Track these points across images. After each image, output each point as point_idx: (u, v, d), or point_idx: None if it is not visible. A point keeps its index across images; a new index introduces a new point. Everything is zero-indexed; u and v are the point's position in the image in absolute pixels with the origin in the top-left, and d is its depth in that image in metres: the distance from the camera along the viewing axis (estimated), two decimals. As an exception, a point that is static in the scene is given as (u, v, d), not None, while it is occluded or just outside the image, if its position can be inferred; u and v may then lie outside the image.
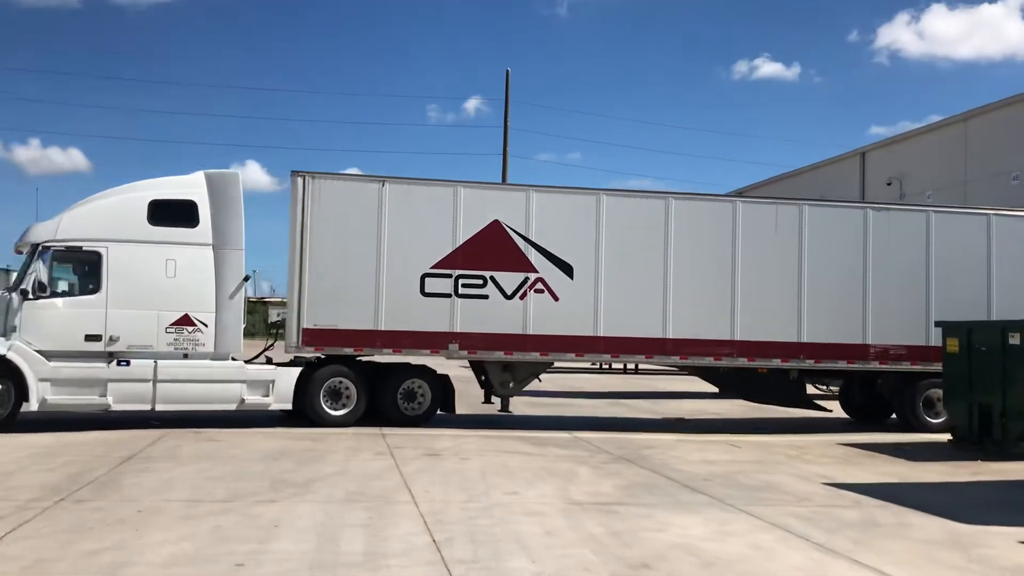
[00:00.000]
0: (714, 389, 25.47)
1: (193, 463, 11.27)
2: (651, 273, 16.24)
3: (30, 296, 13.93)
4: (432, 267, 15.59)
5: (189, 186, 15.00)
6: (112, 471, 10.53)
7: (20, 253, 14.83)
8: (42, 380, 13.75)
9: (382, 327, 15.36)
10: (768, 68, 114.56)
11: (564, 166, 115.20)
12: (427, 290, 15.60)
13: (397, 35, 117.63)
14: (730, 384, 17.82)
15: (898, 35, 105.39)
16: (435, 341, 15.59)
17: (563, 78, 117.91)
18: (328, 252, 15.25)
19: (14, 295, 14.01)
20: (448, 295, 15.62)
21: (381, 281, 15.36)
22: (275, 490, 9.60)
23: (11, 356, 13.65)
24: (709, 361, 16.54)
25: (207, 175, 15.10)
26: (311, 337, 15.17)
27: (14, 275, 15.83)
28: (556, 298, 15.93)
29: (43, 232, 14.40)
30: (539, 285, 15.88)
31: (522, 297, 15.82)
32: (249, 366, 15.06)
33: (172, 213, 14.70)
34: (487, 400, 17.41)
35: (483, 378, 16.89)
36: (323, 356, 15.47)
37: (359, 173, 16.25)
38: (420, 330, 15.52)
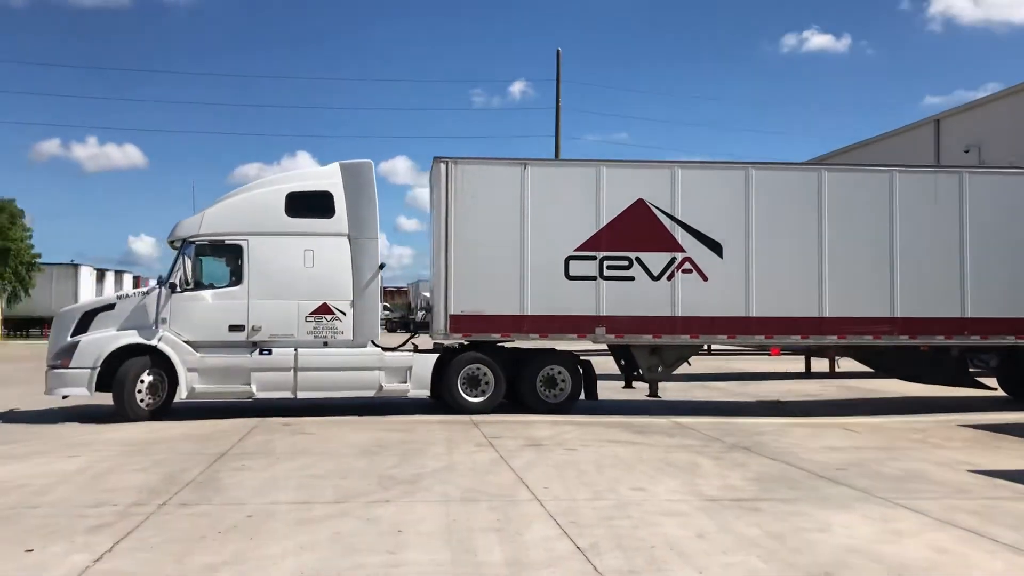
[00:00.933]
0: (798, 368, 24.84)
1: (290, 459, 10.68)
2: (805, 250, 15.61)
3: (178, 289, 14.41)
4: (576, 249, 15.21)
5: (324, 177, 15.15)
6: (209, 469, 9.97)
7: (174, 248, 15.19)
8: (190, 370, 14.21)
9: (528, 312, 15.09)
10: (817, 40, 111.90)
11: (613, 144, 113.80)
12: (572, 273, 15.23)
13: (437, 21, 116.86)
14: (887, 364, 17.15)
15: (952, 1, 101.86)
16: (581, 325, 15.19)
17: (606, 56, 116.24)
18: (472, 238, 15.10)
19: (163, 289, 14.50)
20: (593, 278, 15.23)
21: (526, 265, 15.10)
22: (385, 488, 8.95)
23: (162, 346, 14.17)
24: (868, 340, 15.79)
25: (342, 166, 15.19)
26: (458, 323, 15.01)
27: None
28: (705, 278, 15.37)
29: (188, 227, 14.82)
30: (687, 265, 15.38)
31: (669, 278, 15.33)
32: (387, 353, 14.99)
33: (309, 204, 14.89)
34: (628, 385, 16.74)
35: (623, 362, 16.40)
36: (467, 343, 15.37)
37: (499, 157, 15.53)
38: (566, 314, 15.17)
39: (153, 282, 15.51)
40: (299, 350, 14.56)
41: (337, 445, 11.88)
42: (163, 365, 14.24)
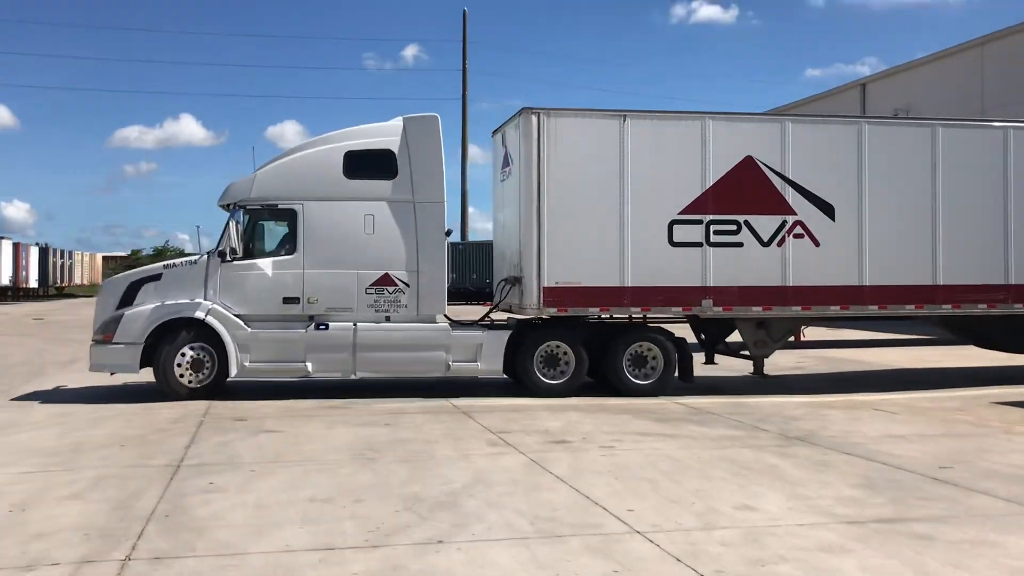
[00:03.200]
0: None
1: (268, 472, 8.31)
2: (919, 212, 14.21)
3: (227, 258, 13.10)
4: (680, 212, 13.56)
5: (386, 134, 13.54)
6: (168, 492, 7.52)
7: (225, 210, 13.74)
8: (241, 345, 12.94)
9: (628, 283, 13.41)
10: (706, 11, 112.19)
11: (506, 109, 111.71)
12: (676, 239, 13.57)
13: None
14: (992, 336, 15.84)
15: None
16: (686, 297, 13.58)
17: (499, 18, 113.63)
18: (568, 200, 13.32)
19: (211, 258, 13.22)
20: (699, 244, 13.59)
21: (626, 231, 13.41)
22: (422, 518, 6.73)
23: (210, 320, 12.93)
24: (983, 309, 14.43)
25: (406, 120, 13.60)
26: (553, 296, 13.26)
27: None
28: (817, 243, 13.86)
29: (238, 191, 13.49)
30: (798, 229, 13.82)
31: (780, 244, 13.78)
32: (455, 329, 13.49)
33: (369, 164, 13.39)
34: (709, 360, 15.30)
35: (703, 336, 14.98)
36: (546, 317, 13.67)
37: (595, 108, 13.66)
38: (669, 285, 13.52)
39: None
40: (358, 325, 13.10)
41: (316, 447, 9.55)
42: (212, 340, 12.91)
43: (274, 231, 13.68)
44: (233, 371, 12.94)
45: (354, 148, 13.44)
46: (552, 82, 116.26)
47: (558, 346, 13.54)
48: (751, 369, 14.82)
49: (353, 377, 13.23)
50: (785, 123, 13.96)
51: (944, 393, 13.96)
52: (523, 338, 13.52)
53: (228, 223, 13.20)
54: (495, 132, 15.18)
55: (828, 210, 13.92)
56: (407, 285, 13.32)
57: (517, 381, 13.86)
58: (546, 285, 13.24)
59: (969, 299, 14.29)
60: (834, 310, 14.14)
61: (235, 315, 13.01)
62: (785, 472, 8.38)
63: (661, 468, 8.50)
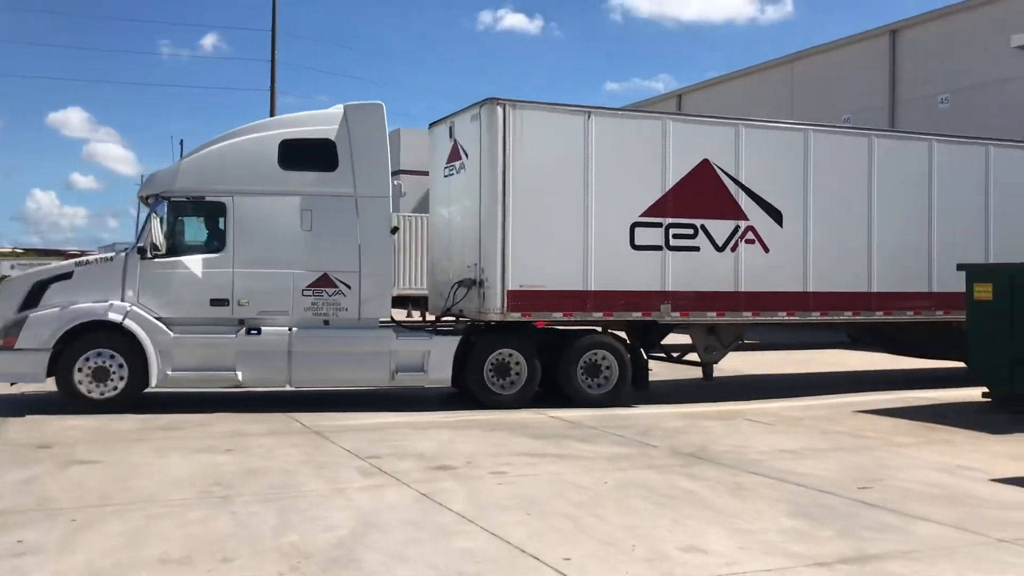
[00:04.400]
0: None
1: (95, 519, 6.57)
2: (855, 220, 14.40)
3: (148, 255, 11.76)
4: (642, 215, 13.10)
5: (325, 123, 12.47)
6: (-39, 558, 5.72)
7: (147, 205, 12.50)
8: (163, 352, 11.63)
9: (592, 287, 12.79)
10: (512, 20, 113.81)
11: (315, 103, 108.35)
12: (637, 242, 13.10)
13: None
14: (921, 345, 16.08)
15: None
16: (646, 302, 13.11)
17: (306, 14, 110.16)
18: (533, 198, 12.55)
19: (130, 254, 11.92)
20: (659, 248, 13.19)
21: (590, 232, 12.80)
22: (317, 583, 5.34)
23: (128, 324, 11.57)
24: (910, 316, 14.71)
25: (348, 108, 12.52)
26: (517, 300, 12.42)
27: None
28: (767, 249, 13.75)
29: (160, 182, 12.30)
30: (750, 235, 13.68)
31: (733, 248, 13.58)
32: (400, 335, 12.56)
33: (307, 155, 12.30)
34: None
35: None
36: (493, 323, 12.81)
37: (559, 103, 12.98)
38: (630, 289, 13.01)
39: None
40: (294, 330, 11.97)
41: (151, 483, 7.84)
42: (126, 346, 11.54)
43: (201, 226, 12.44)
44: (154, 381, 11.64)
45: (290, 137, 12.32)
46: (362, 79, 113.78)
47: (510, 354, 12.66)
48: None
49: (288, 388, 12.19)
50: (739, 127, 13.78)
51: (807, 401, 13.72)
52: (473, 345, 12.57)
53: (150, 216, 11.93)
54: (436, 124, 14.21)
55: (777, 216, 13.86)
56: (348, 287, 12.21)
57: (464, 392, 12.88)
58: (510, 288, 12.37)
59: (897, 306, 14.57)
60: (781, 316, 14.06)
61: (157, 318, 11.69)
62: (708, 500, 7.53)
63: (572, 499, 7.45)
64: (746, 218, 13.64)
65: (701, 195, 13.38)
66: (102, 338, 11.54)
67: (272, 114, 52.33)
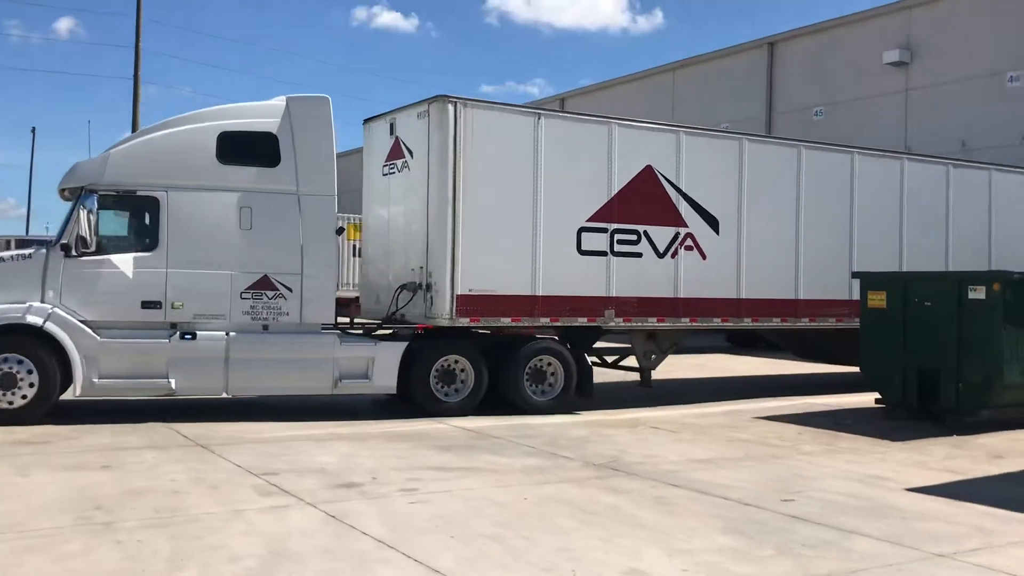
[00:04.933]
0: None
1: (-47, 557, 5.69)
2: (784, 228, 14.68)
3: (73, 252, 10.87)
4: (588, 220, 12.94)
5: (267, 115, 11.77)
6: None
7: (66, 199, 11.71)
8: (88, 358, 10.71)
9: (540, 292, 12.54)
10: (387, 17, 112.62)
11: (179, 100, 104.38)
12: (584, 247, 12.92)
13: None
14: (842, 352, 16.19)
15: None
16: (591, 307, 12.95)
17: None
18: (483, 200, 12.18)
19: (51, 251, 11.00)
20: (604, 253, 13.06)
21: (538, 236, 12.54)
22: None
23: (50, 328, 10.65)
24: (832, 323, 15.09)
25: (290, 101, 11.87)
26: (467, 305, 12.01)
27: None
28: (704, 256, 13.83)
29: (87, 173, 11.31)
30: (688, 241, 13.72)
31: (673, 255, 13.60)
32: (344, 341, 11.92)
33: (247, 149, 11.57)
34: None
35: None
36: (454, 328, 12.33)
37: (510, 104, 13.02)
38: (577, 295, 12.83)
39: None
40: (231, 335, 11.23)
41: (15, 507, 6.92)
42: (47, 352, 10.59)
43: (131, 223, 11.55)
44: (78, 389, 10.74)
45: (229, 129, 11.56)
46: (229, 69, 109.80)
47: (456, 360, 12.25)
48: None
49: (225, 396, 11.36)
50: (680, 134, 13.78)
51: (706, 408, 13.63)
52: (418, 351, 12.03)
53: (75, 210, 10.96)
54: (372, 119, 13.66)
55: (714, 223, 13.95)
56: (289, 290, 11.54)
57: (408, 400, 12.28)
58: (460, 292, 11.95)
59: (821, 313, 14.90)
60: (716, 322, 14.19)
61: (81, 321, 10.77)
62: (635, 516, 7.16)
63: (495, 518, 6.95)
64: (686, 225, 13.69)
65: (644, 201, 13.34)
66: (8, 342, 10.54)
67: (136, 104, 49.77)
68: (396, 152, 12.94)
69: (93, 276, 10.93)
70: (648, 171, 13.38)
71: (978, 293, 12.04)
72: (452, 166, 11.94)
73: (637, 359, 13.99)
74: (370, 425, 11.33)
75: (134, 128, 47.44)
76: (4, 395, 10.50)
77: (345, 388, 11.75)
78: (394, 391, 12.11)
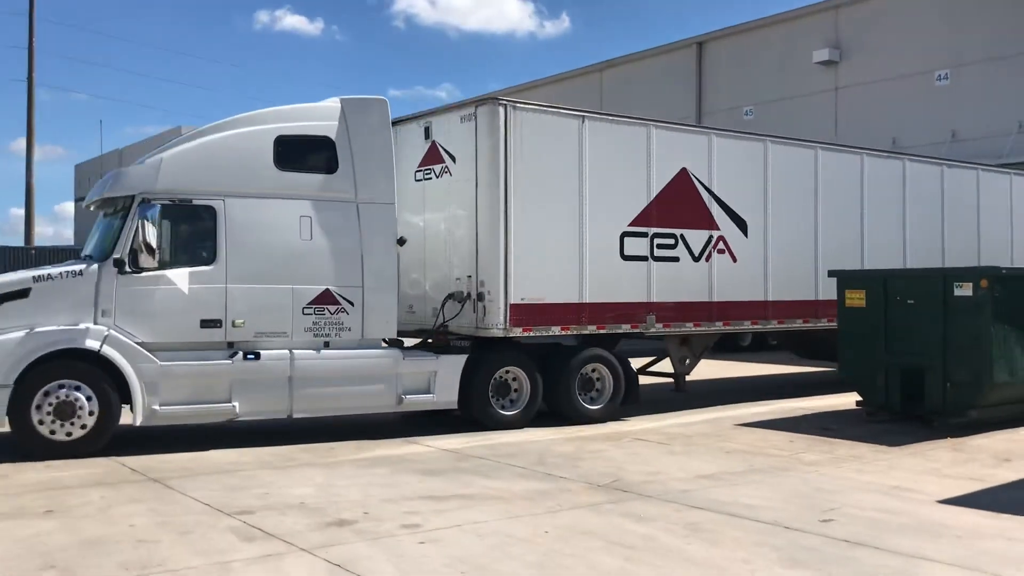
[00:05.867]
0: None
1: None
2: (805, 229, 14.71)
3: (127, 268, 9.94)
4: (630, 224, 12.70)
5: (322, 117, 11.02)
6: None
7: (100, 208, 10.89)
8: (149, 384, 9.84)
9: (587, 299, 12.21)
10: (291, 20, 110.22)
11: (70, 105, 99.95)
12: (627, 252, 12.66)
13: None
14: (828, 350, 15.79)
15: (414, 0, 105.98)
16: (633, 314, 12.68)
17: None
18: (532, 207, 11.75)
19: (103, 267, 9.98)
20: (645, 258, 12.83)
21: (584, 242, 12.24)
22: None
23: (107, 351, 9.74)
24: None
25: (345, 103, 11.16)
26: (519, 315, 11.59)
27: None
28: (735, 259, 13.72)
29: (138, 180, 10.36)
30: (721, 245, 13.61)
31: (707, 259, 13.46)
32: (406, 356, 11.27)
33: (304, 154, 10.87)
34: None
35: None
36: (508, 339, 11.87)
37: (555, 105, 12.51)
38: (621, 301, 12.54)
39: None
40: (295, 353, 10.47)
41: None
42: (94, 376, 9.66)
43: (186, 234, 10.48)
44: (139, 418, 9.80)
45: (287, 133, 10.78)
46: (128, 72, 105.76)
47: (508, 372, 11.80)
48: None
49: (289, 417, 10.55)
50: (711, 136, 13.70)
51: (685, 416, 12.86)
52: (477, 364, 11.57)
53: (130, 222, 10.02)
54: (402, 121, 13.00)
55: (743, 226, 13.86)
56: (351, 304, 10.87)
57: (467, 415, 11.78)
58: (513, 302, 11.50)
59: (834, 313, 14.22)
60: (747, 325, 14.13)
61: (138, 343, 9.86)
62: (677, 548, 6.40)
63: (524, 558, 6.09)
64: (718, 228, 13.57)
65: (680, 204, 13.15)
66: (63, 367, 9.58)
67: (31, 107, 47.08)
68: (434, 157, 12.35)
69: (149, 294, 10.00)
70: (683, 174, 13.22)
71: (965, 290, 11.65)
72: (504, 171, 11.49)
73: (673, 364, 13.74)
74: (332, 448, 10.30)
75: (30, 132, 44.75)
76: (62, 425, 9.49)
77: (409, 405, 11.19)
78: (455, 405, 11.53)
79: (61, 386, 9.52)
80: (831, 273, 13.34)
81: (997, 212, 17.72)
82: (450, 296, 11.89)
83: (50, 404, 9.45)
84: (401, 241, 11.46)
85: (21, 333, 9.46)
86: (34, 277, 9.92)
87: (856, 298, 12.75)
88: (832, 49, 28.20)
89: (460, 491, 8.16)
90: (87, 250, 10.70)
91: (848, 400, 13.23)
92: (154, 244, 9.90)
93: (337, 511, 7.35)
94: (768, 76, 29.83)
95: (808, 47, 28.72)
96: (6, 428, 9.49)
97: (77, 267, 10.06)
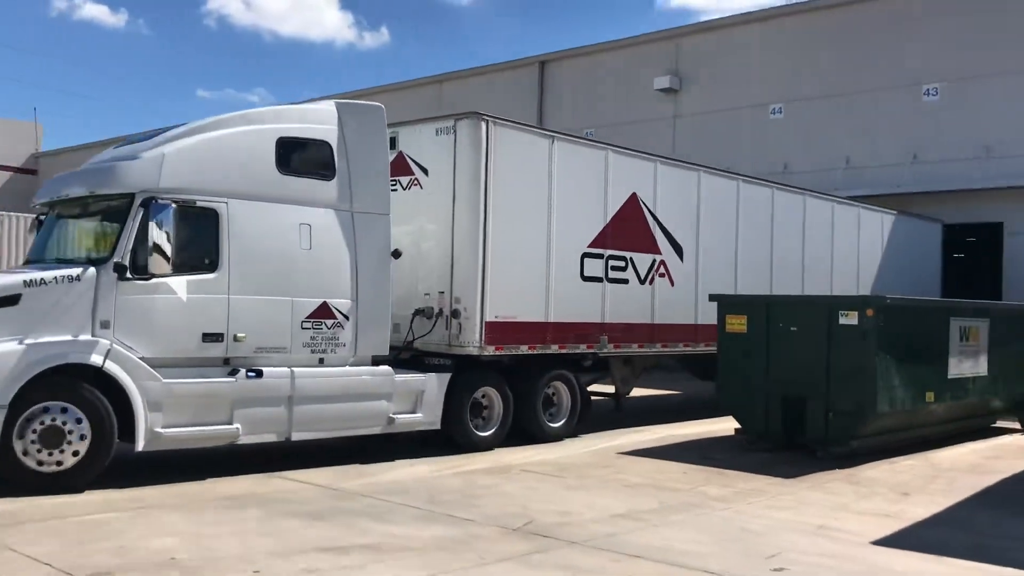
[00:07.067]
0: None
1: None
2: (727, 256, 15.26)
3: (128, 275, 8.66)
4: (589, 245, 12.90)
5: (320, 120, 10.39)
6: None
7: (66, 207, 9.78)
8: (152, 404, 8.63)
9: (552, 319, 12.31)
10: (92, 9, 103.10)
11: None
12: (586, 273, 12.84)
13: None
14: None
15: (227, 0, 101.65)
16: (590, 334, 12.81)
17: None
18: (505, 224, 11.67)
19: (101, 271, 8.71)
20: (600, 279, 13.05)
21: (551, 261, 12.32)
22: None
23: (111, 368, 8.51)
24: None
25: (340, 107, 10.63)
26: (494, 333, 11.45)
27: None
28: (673, 283, 14.14)
29: (138, 176, 9.05)
30: (662, 268, 14.01)
31: (651, 282, 13.82)
32: (398, 373, 10.76)
33: (304, 158, 10.14)
34: None
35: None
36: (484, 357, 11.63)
37: (529, 124, 13.19)
38: (580, 321, 12.68)
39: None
40: (295, 371, 9.76)
41: None
42: (84, 398, 8.40)
43: (187, 238, 9.20)
44: (141, 443, 8.69)
45: (288, 135, 10.04)
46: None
47: (484, 392, 11.65)
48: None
49: (287, 440, 9.74)
50: (657, 163, 14.03)
51: (562, 448, 11.94)
52: (456, 383, 11.24)
53: (131, 222, 8.93)
54: None
55: (680, 251, 14.26)
56: (346, 318, 10.25)
57: (446, 435, 11.34)
58: (488, 319, 11.33)
59: None
60: (680, 348, 14.28)
61: (140, 359, 8.78)
62: (638, 609, 5.55)
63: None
64: (660, 252, 13.94)
65: (631, 228, 13.44)
66: (49, 386, 8.30)
67: None
68: (401, 168, 11.82)
69: (150, 303, 8.93)
70: (633, 198, 13.50)
71: (850, 319, 11.55)
72: (484, 187, 11.32)
73: (615, 384, 13.92)
74: (181, 486, 8.80)
75: None
76: (50, 455, 8.25)
77: (399, 425, 10.67)
78: (439, 426, 11.08)
79: (45, 409, 8.26)
80: (712, 297, 13.05)
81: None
82: (419, 312, 11.48)
83: (36, 430, 8.18)
84: (396, 254, 10.83)
85: (14, 345, 8.20)
86: (25, 282, 8.54)
87: (737, 323, 12.48)
88: (672, 77, 28.64)
89: (359, 540, 7.01)
90: (41, 254, 9.69)
91: (726, 426, 12.93)
92: (167, 248, 8.86)
93: (220, 570, 6.04)
94: (610, 99, 29.98)
95: (650, 74, 29.04)
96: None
97: (73, 271, 8.73)
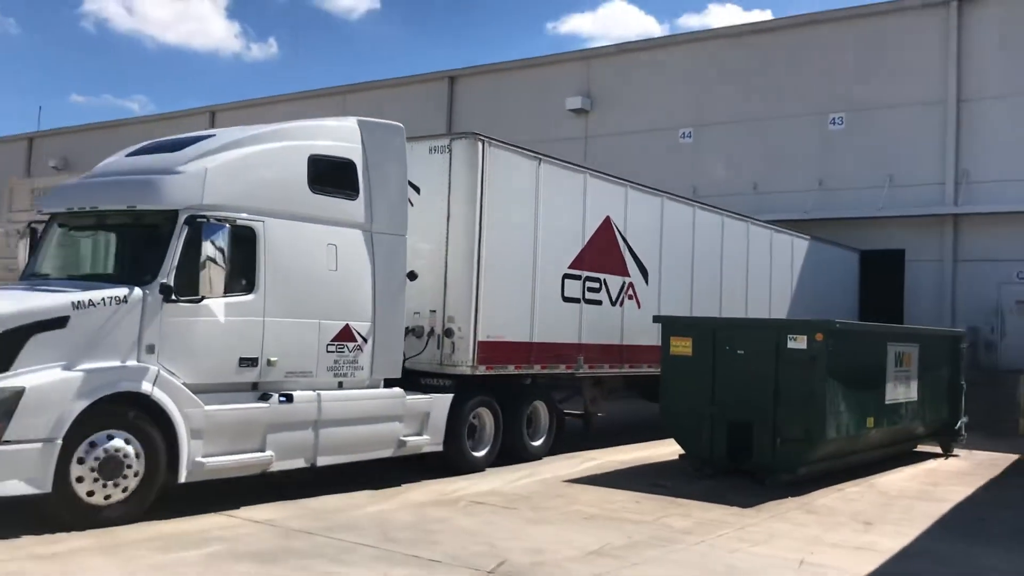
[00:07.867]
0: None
1: None
2: (683, 279, 15.66)
3: (174, 296, 8.26)
4: (569, 266, 13.03)
5: (344, 138, 9.99)
6: None
7: (87, 220, 9.29)
8: (195, 432, 8.28)
9: (535, 339, 12.33)
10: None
11: None
12: (566, 294, 12.97)
13: None
14: None
15: (107, 4, 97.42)
16: (568, 355, 12.90)
17: None
18: (496, 244, 11.64)
19: (148, 292, 8.23)
20: (578, 300, 13.18)
21: (536, 281, 12.40)
22: None
23: (158, 395, 8.09)
24: None
25: (363, 125, 10.22)
26: (485, 352, 11.41)
27: None
28: (639, 305, 14.33)
29: (183, 191, 8.58)
30: (631, 291, 14.27)
31: (621, 304, 14.05)
32: (409, 395, 10.48)
33: (333, 176, 9.73)
34: None
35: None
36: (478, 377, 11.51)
37: (518, 145, 12.30)
38: (560, 341, 12.76)
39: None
40: (321, 395, 9.44)
41: None
42: (141, 426, 7.89)
43: (227, 258, 8.51)
44: (183, 473, 8.25)
45: (319, 152, 9.75)
46: None
47: (476, 413, 11.58)
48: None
49: (313, 466, 9.48)
50: (627, 188, 14.28)
51: (506, 475, 11.33)
52: (456, 403, 11.16)
53: (176, 239, 8.46)
54: None
55: (646, 274, 14.53)
56: (365, 340, 10.07)
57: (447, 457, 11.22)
58: (481, 339, 11.28)
59: None
60: (645, 368, 14.24)
61: (183, 384, 8.33)
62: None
63: None
64: (629, 275, 14.16)
65: (605, 251, 13.63)
66: (107, 414, 7.80)
67: None
68: (407, 187, 11.45)
69: (193, 326, 8.50)
70: (607, 222, 13.70)
71: (799, 343, 11.38)
72: (479, 207, 11.30)
73: (586, 405, 13.89)
74: (113, 536, 7.82)
75: None
76: (106, 486, 7.72)
77: (408, 448, 10.49)
78: (441, 447, 10.96)
79: (109, 437, 7.78)
80: (656, 319, 12.77)
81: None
82: (410, 331, 11.19)
83: (96, 459, 7.65)
84: (411, 275, 10.69)
85: (67, 372, 7.64)
86: (74, 303, 7.90)
87: (682, 346, 12.20)
88: (584, 98, 28.59)
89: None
90: (53, 269, 9.22)
91: (668, 451, 12.61)
92: (213, 269, 8.32)
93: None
94: (523, 117, 29.60)
95: (561, 93, 28.93)
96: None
97: (120, 292, 8.17)
